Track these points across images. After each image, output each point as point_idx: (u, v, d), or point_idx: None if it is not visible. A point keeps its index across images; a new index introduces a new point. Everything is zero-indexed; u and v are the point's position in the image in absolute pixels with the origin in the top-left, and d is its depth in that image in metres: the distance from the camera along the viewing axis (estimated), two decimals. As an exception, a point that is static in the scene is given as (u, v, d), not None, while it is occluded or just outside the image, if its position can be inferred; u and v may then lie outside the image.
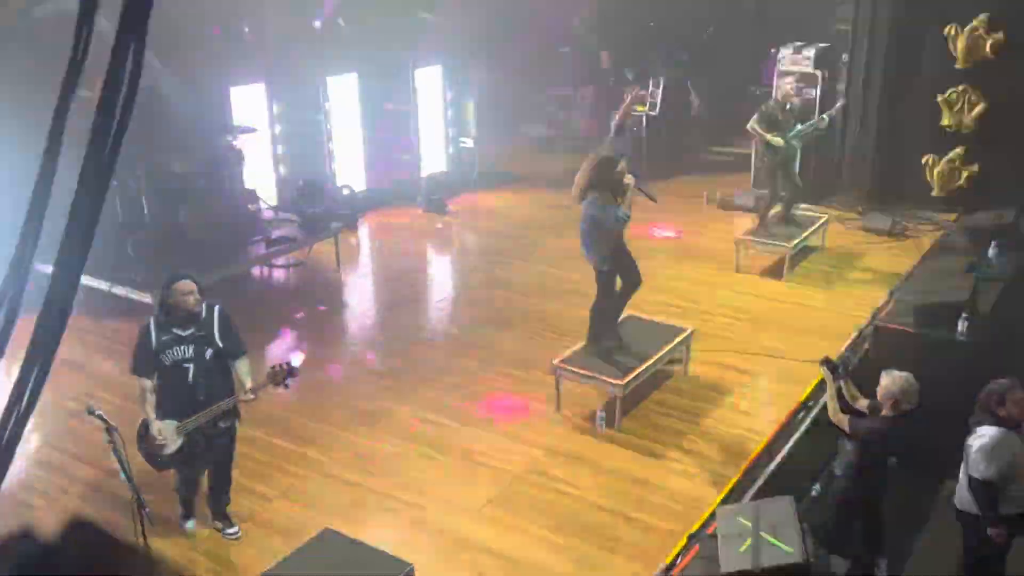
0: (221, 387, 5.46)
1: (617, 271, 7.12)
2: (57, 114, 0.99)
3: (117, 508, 5.45)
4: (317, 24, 11.50)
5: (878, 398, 5.24)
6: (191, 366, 5.37)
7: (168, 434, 5.37)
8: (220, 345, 5.43)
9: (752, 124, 9.92)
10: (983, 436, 4.87)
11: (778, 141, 9.81)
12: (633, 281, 7.25)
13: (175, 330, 5.37)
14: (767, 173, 10.41)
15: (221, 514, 5.84)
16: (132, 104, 1.04)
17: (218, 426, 5.49)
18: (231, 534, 5.79)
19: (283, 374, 5.41)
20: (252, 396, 5.48)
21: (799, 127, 10.01)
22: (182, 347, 5.36)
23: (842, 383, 5.54)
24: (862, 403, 5.51)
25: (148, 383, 5.37)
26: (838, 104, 10.85)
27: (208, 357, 5.40)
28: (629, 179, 6.70)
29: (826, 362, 5.60)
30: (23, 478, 6.37)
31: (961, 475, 5.05)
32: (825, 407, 6.77)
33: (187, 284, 5.36)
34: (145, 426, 5.42)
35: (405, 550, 5.33)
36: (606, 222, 6.73)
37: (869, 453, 5.24)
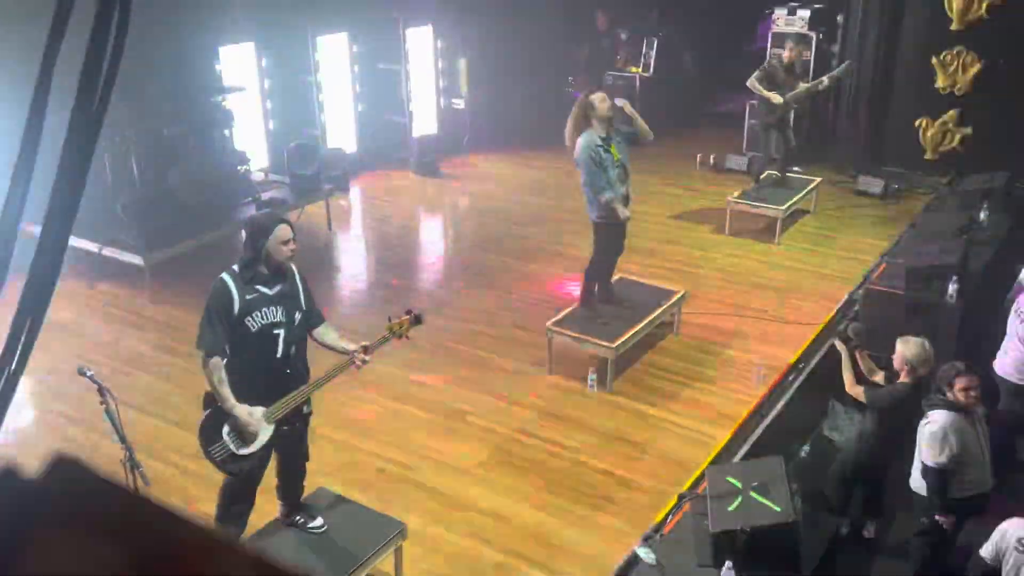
0: (304, 362, 4.66)
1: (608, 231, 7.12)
2: (43, 67, 0.98)
3: (111, 469, 5.48)
4: None
5: (894, 365, 5.25)
6: (282, 332, 4.45)
7: (260, 423, 4.44)
8: (305, 308, 4.60)
9: (752, 80, 9.86)
10: (933, 422, 4.81)
11: (778, 99, 9.76)
12: (616, 248, 7.28)
13: (261, 288, 4.41)
14: (761, 131, 10.38)
15: (298, 506, 4.96)
16: (119, 58, 1.02)
17: (303, 409, 4.68)
18: (317, 527, 4.89)
19: (406, 325, 4.70)
20: (369, 358, 4.61)
21: (801, 86, 9.96)
22: (272, 308, 4.42)
23: (857, 355, 5.55)
24: (879, 376, 5.50)
25: (216, 359, 4.34)
26: (844, 64, 10.73)
27: (298, 322, 4.52)
28: (622, 103, 6.86)
29: (840, 334, 5.60)
30: (16, 439, 6.38)
31: (915, 458, 5.05)
32: (814, 370, 6.85)
33: (287, 230, 4.42)
34: (217, 418, 4.43)
35: (397, 509, 5.38)
36: (596, 157, 6.73)
37: (888, 422, 5.26)
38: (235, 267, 4.47)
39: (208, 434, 4.44)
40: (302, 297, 4.59)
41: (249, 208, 9.57)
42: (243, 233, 4.55)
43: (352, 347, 4.62)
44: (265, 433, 4.48)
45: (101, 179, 8.75)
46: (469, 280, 9.06)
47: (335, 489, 5.31)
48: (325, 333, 4.72)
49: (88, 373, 4.42)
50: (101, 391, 4.33)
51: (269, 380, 4.48)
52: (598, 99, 6.77)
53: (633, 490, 5.87)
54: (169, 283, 8.63)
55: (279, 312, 4.44)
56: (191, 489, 5.79)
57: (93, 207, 8.53)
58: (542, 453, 6.25)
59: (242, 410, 4.38)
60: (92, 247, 8.51)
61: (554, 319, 7.26)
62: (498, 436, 6.45)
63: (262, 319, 4.39)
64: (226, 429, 4.43)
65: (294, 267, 4.58)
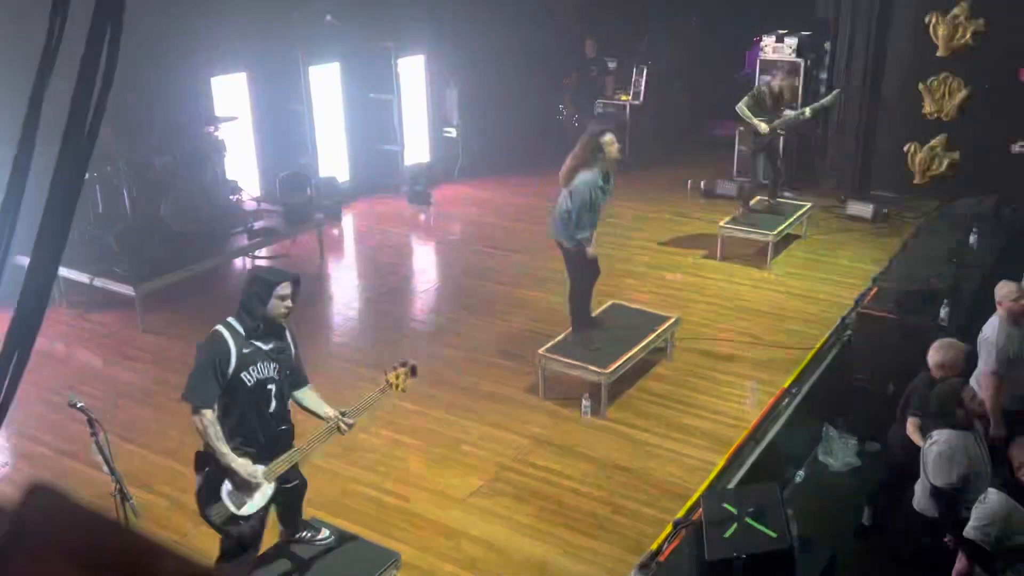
0: (288, 418, 4.63)
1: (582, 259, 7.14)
2: (32, 102, 0.98)
3: (101, 501, 5.43)
4: None
5: (931, 372, 5.34)
6: (274, 387, 4.44)
7: (261, 480, 4.40)
8: (294, 366, 4.62)
9: (740, 106, 9.93)
10: (939, 442, 4.77)
11: (764, 127, 9.83)
12: (593, 271, 7.32)
13: (257, 342, 4.39)
14: (751, 157, 10.44)
15: (301, 525, 5.04)
16: (109, 91, 1.03)
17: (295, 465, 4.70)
18: (324, 539, 4.98)
19: (403, 377, 4.76)
20: (353, 421, 4.63)
21: (787, 113, 10.04)
22: (267, 363, 4.40)
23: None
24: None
25: (210, 413, 4.29)
26: (833, 92, 10.80)
27: (288, 379, 4.53)
28: (615, 150, 6.80)
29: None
30: (5, 471, 6.33)
31: (920, 480, 5.01)
32: (808, 395, 6.85)
33: (287, 286, 4.41)
34: (215, 478, 4.35)
35: (391, 540, 5.34)
36: (593, 197, 6.79)
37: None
38: (231, 320, 4.43)
39: (206, 496, 4.37)
40: (293, 354, 4.59)
41: (241, 238, 9.57)
42: (246, 285, 4.49)
43: (332, 412, 4.60)
44: (265, 492, 4.44)
45: (92, 209, 8.75)
46: (462, 307, 9.05)
47: (328, 519, 5.27)
48: (306, 396, 4.68)
49: (78, 404, 4.39)
50: (91, 422, 4.30)
51: (265, 435, 4.45)
52: (608, 141, 6.76)
53: (628, 517, 5.84)
54: (161, 313, 8.60)
55: (273, 368, 4.42)
56: (182, 522, 5.73)
57: (85, 237, 8.53)
58: (536, 481, 6.22)
59: (242, 464, 4.31)
60: (83, 278, 8.49)
61: (546, 346, 7.25)
62: (491, 464, 6.41)
63: (257, 374, 4.36)
64: (225, 490, 4.36)
65: (288, 324, 4.58)
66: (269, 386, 4.42)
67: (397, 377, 4.78)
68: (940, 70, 10.87)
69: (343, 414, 4.59)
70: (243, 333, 4.36)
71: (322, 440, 4.62)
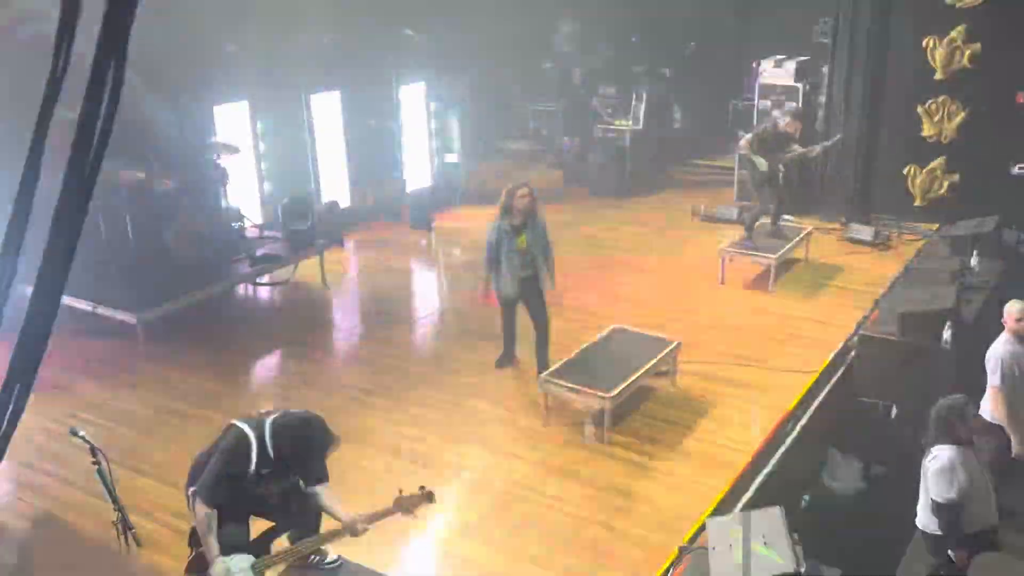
0: (299, 512, 4.78)
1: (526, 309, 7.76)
2: (37, 131, 0.99)
3: (103, 530, 5.40)
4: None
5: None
6: (282, 491, 4.68)
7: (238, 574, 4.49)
8: (309, 471, 4.73)
9: (743, 143, 10.13)
10: (939, 457, 4.80)
11: (763, 165, 9.94)
12: (540, 322, 7.74)
13: (282, 466, 4.60)
14: (755, 188, 10.50)
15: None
16: (112, 122, 1.04)
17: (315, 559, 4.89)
18: (332, 563, 5.08)
19: (416, 501, 4.80)
20: (367, 527, 4.69)
21: (796, 148, 10.13)
22: (283, 478, 4.66)
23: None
24: None
25: (211, 511, 4.46)
26: (836, 137, 10.92)
27: (297, 481, 4.71)
28: (525, 202, 7.36)
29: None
30: (8, 500, 6.30)
31: (921, 497, 5.02)
32: (812, 418, 6.83)
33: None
34: (201, 562, 4.54)
35: (393, 567, 5.30)
36: (497, 238, 7.44)
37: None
38: (267, 425, 4.52)
39: (196, 569, 4.56)
40: (309, 464, 4.68)
41: (243, 265, 9.59)
42: (299, 425, 4.63)
43: (347, 517, 4.67)
44: None
45: (96, 237, 8.77)
46: (463, 332, 9.05)
47: (332, 547, 5.23)
48: (323, 494, 4.75)
49: (80, 434, 4.39)
50: (93, 451, 4.30)
51: (248, 527, 4.62)
52: (518, 195, 7.38)
53: (633, 543, 5.79)
54: (163, 341, 8.59)
55: (288, 482, 4.64)
56: (184, 551, 5.69)
57: (87, 265, 8.54)
58: (540, 507, 6.18)
59: (220, 566, 4.41)
60: (86, 306, 8.49)
61: (549, 370, 7.24)
62: (494, 490, 6.38)
63: (270, 485, 4.58)
64: (212, 570, 4.49)
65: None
66: (277, 490, 4.62)
67: (411, 499, 4.83)
68: (938, 93, 10.93)
69: (366, 520, 4.69)
70: (270, 454, 4.50)
71: (325, 542, 4.73)
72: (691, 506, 6.09)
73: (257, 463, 4.43)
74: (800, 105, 11.72)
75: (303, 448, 4.55)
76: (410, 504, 4.77)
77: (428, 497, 4.82)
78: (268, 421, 4.55)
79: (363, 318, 10.08)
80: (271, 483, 4.56)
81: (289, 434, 4.52)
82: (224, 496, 4.43)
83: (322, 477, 4.73)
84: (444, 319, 9.79)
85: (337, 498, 4.79)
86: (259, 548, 4.63)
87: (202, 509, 4.41)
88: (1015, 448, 5.67)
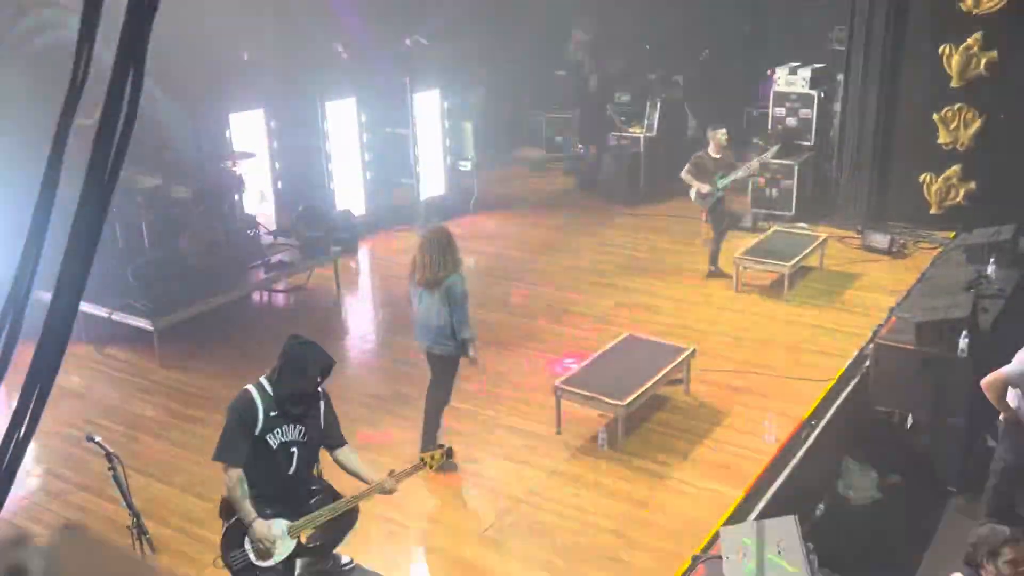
0: (313, 479, 4.85)
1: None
2: (56, 139, 1.00)
3: (118, 535, 5.43)
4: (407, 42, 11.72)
5: None
6: (298, 450, 4.62)
7: (279, 538, 4.54)
8: (323, 430, 4.78)
9: (683, 173, 10.21)
10: None
11: (705, 189, 10.03)
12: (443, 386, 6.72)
13: (286, 405, 4.58)
14: (706, 214, 10.56)
15: (330, 556, 5.15)
16: (131, 130, 1.05)
17: (341, 560, 5.01)
18: (347, 564, 5.16)
19: (438, 458, 4.98)
20: (396, 485, 4.79)
21: (729, 177, 10.13)
22: (292, 426, 4.59)
23: None
24: None
25: (238, 472, 4.49)
26: (773, 147, 10.99)
27: (314, 442, 4.71)
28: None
29: None
30: (24, 505, 6.34)
31: None
32: (827, 427, 6.79)
33: (328, 368, 4.68)
34: (239, 527, 4.54)
35: (406, 574, 5.30)
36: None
37: None
38: (263, 381, 4.60)
39: (229, 541, 4.56)
40: (322, 418, 4.74)
41: (258, 272, 9.62)
42: (285, 355, 4.62)
43: (375, 476, 4.77)
44: (285, 548, 4.57)
45: (112, 244, 8.83)
46: (477, 339, 9.03)
47: (346, 553, 5.24)
48: (347, 457, 4.87)
49: (96, 439, 4.43)
50: (109, 457, 4.33)
51: (282, 494, 4.62)
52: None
53: (647, 552, 5.77)
54: (178, 347, 8.63)
55: (298, 432, 4.60)
56: (198, 555, 5.72)
57: (103, 272, 8.60)
58: (553, 515, 6.17)
59: (260, 525, 4.49)
60: (102, 312, 8.55)
61: (563, 377, 7.23)
62: (508, 498, 6.37)
63: (282, 436, 4.56)
64: (248, 539, 4.55)
65: (323, 389, 4.76)
66: (293, 448, 4.59)
67: (432, 457, 5.01)
68: (955, 101, 10.88)
69: (394, 478, 4.79)
70: (272, 396, 4.55)
71: (355, 500, 4.75)
72: (705, 515, 6.07)
73: (263, 407, 4.50)
74: (814, 109, 11.69)
75: (298, 370, 4.53)
76: (432, 461, 4.99)
77: (448, 453, 5.08)
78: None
79: (377, 325, 10.09)
80: (285, 429, 4.55)
81: (281, 362, 4.58)
82: (244, 454, 4.47)
83: (341, 441, 4.85)
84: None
85: (358, 458, 4.91)
86: (293, 512, 4.67)
87: (229, 473, 4.48)
88: None
